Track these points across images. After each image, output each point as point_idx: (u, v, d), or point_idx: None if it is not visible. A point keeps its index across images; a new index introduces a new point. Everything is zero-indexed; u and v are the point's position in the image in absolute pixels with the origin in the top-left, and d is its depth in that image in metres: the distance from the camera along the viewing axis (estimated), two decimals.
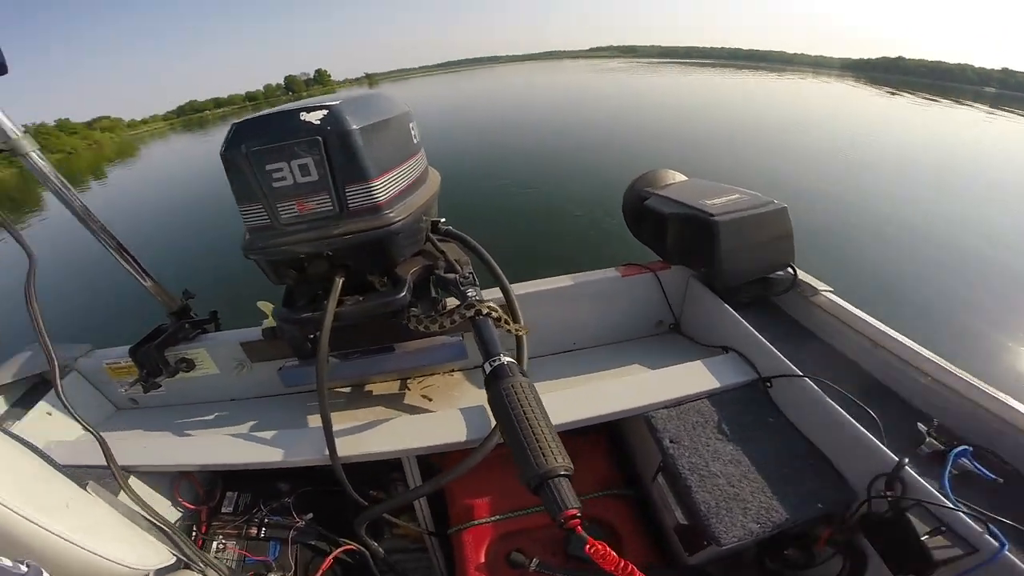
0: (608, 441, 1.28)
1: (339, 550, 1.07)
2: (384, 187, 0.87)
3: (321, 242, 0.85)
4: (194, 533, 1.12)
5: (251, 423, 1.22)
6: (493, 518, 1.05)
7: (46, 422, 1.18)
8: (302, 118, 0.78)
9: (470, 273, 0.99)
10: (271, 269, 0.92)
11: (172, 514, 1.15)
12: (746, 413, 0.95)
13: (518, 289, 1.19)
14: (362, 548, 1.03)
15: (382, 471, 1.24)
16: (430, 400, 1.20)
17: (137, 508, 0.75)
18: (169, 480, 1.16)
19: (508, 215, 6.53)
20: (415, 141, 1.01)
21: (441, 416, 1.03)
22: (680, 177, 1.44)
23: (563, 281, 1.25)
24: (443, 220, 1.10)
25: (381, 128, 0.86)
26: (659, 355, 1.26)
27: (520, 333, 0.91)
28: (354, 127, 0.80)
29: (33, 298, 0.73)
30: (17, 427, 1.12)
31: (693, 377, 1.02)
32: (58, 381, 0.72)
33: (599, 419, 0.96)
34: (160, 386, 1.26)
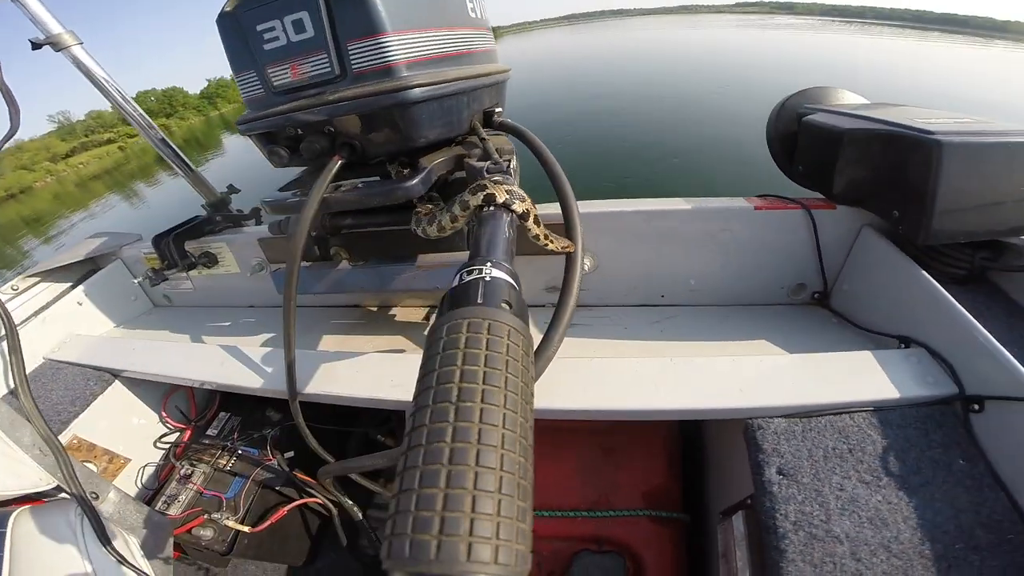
0: (679, 441, 0.96)
1: (300, 502, 0.93)
2: (402, 46, 0.65)
3: (314, 111, 0.66)
4: (169, 455, 1.03)
5: (259, 337, 1.07)
6: None
7: (75, 312, 1.14)
8: None
9: (508, 163, 0.72)
10: (264, 147, 0.76)
11: (157, 430, 1.07)
12: (922, 446, 0.57)
13: (591, 206, 0.90)
14: (328, 503, 0.89)
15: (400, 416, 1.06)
16: None
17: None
18: (161, 391, 1.07)
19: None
20: (473, 15, 0.79)
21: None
22: (858, 98, 0.97)
23: (656, 205, 0.89)
24: (500, 110, 0.85)
25: None
26: (789, 334, 0.87)
27: (567, 250, 0.61)
28: None
29: None
30: (44, 314, 1.09)
31: (845, 375, 0.64)
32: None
33: (665, 414, 0.64)
34: (167, 279, 1.13)
